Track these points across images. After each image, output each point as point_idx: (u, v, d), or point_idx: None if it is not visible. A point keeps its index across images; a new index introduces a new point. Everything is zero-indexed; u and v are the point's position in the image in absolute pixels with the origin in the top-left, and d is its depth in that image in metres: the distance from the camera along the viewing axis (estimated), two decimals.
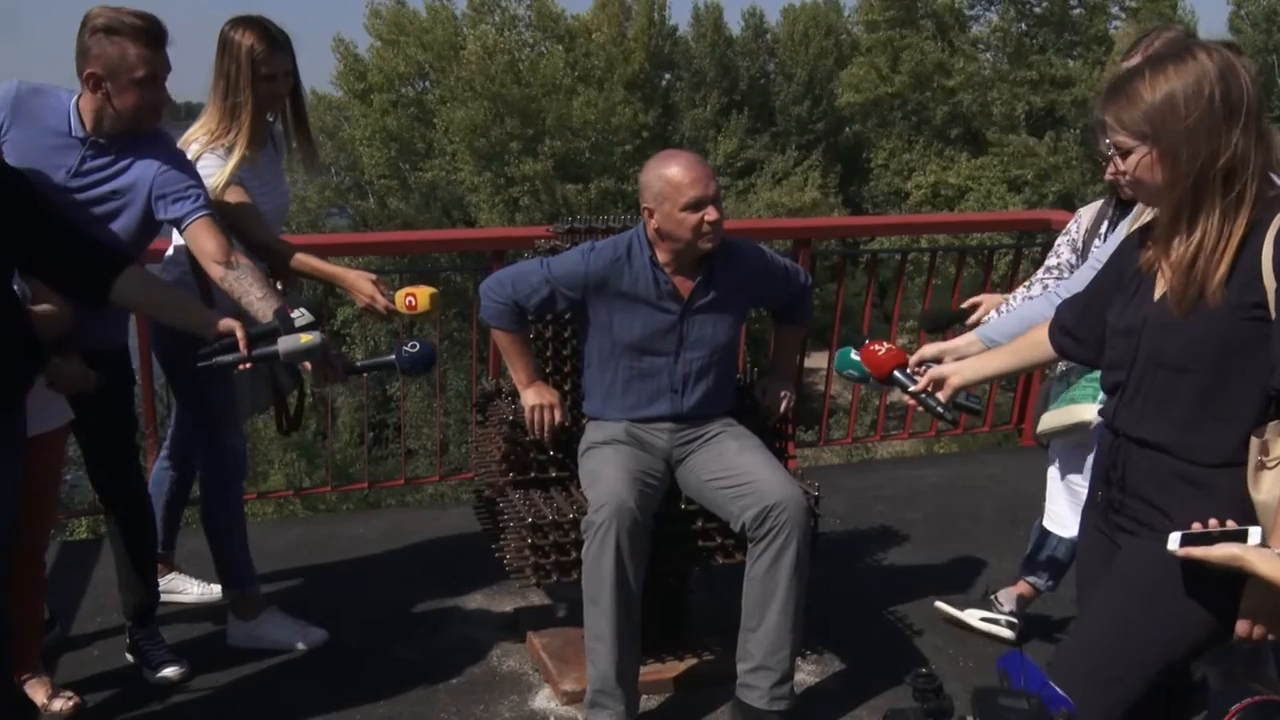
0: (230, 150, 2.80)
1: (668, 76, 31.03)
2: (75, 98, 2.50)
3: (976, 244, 11.75)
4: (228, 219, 2.70)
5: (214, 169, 2.77)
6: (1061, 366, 2.74)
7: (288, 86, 2.89)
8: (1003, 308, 2.93)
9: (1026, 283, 2.98)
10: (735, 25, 32.81)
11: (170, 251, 2.95)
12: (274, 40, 2.80)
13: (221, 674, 2.95)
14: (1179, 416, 1.73)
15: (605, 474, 2.66)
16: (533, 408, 2.84)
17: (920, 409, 2.22)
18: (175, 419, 3.22)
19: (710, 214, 2.65)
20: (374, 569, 3.67)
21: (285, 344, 2.38)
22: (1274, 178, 1.70)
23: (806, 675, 2.97)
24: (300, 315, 2.41)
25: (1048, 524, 3.03)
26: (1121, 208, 2.77)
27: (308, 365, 2.55)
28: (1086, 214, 2.92)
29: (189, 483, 3.25)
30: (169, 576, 3.27)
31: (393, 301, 2.81)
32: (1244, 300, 1.65)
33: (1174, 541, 1.61)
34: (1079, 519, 2.13)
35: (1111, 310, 1.85)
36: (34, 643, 2.74)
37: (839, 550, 3.81)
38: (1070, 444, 2.86)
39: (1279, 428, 1.64)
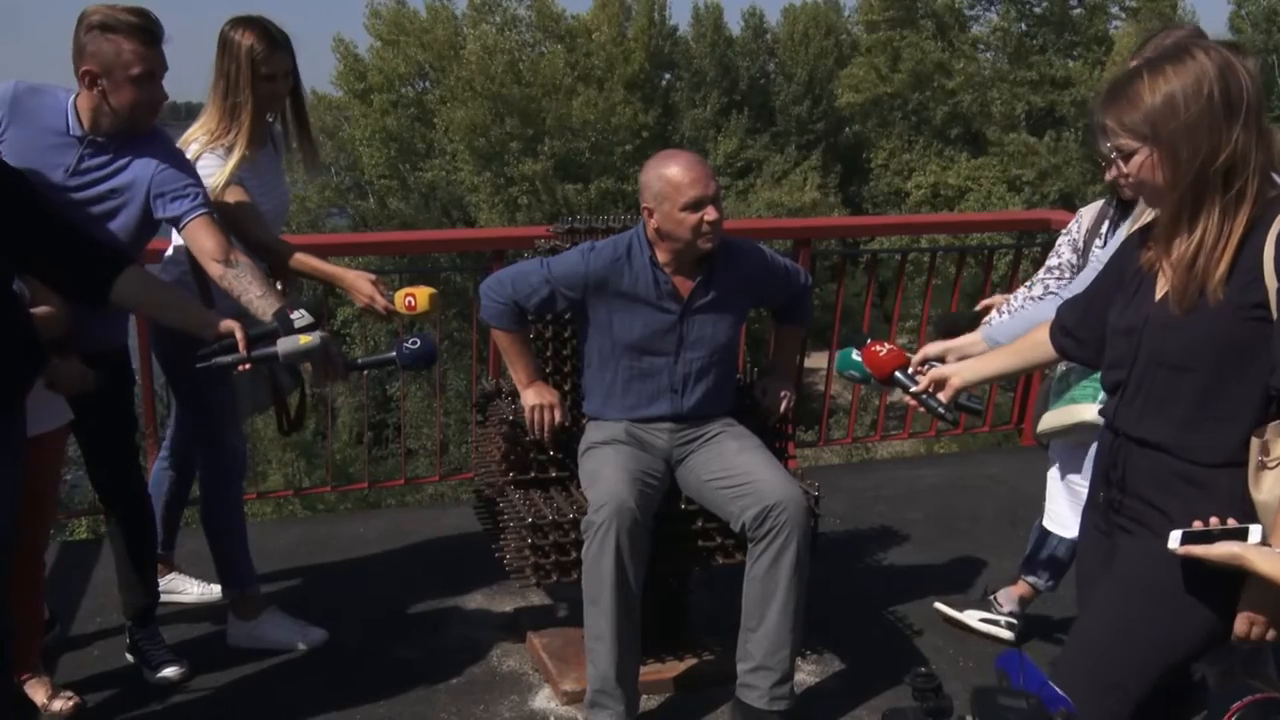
0: (230, 150, 2.79)
1: (668, 76, 31.04)
2: (73, 96, 2.50)
3: (976, 244, 11.77)
4: (227, 219, 2.70)
5: (214, 169, 2.77)
6: (1062, 367, 2.74)
7: (288, 86, 2.89)
8: (1004, 307, 2.93)
9: (1028, 283, 2.98)
10: (735, 25, 32.90)
11: (169, 251, 2.95)
12: (274, 40, 2.80)
13: (221, 674, 2.95)
14: (1179, 416, 1.73)
15: (605, 474, 2.66)
16: (533, 408, 2.84)
17: (921, 409, 2.22)
18: (175, 419, 3.22)
19: (710, 214, 2.65)
20: (374, 569, 3.67)
21: (284, 345, 2.39)
22: (1275, 177, 1.70)
23: (806, 675, 2.97)
24: (300, 316, 2.41)
25: (1048, 524, 3.03)
26: (1122, 208, 2.77)
27: (308, 366, 2.55)
28: (1088, 214, 2.92)
29: (189, 483, 3.25)
30: (169, 576, 3.27)
31: (392, 302, 2.81)
32: (1245, 300, 1.65)
33: (1174, 540, 1.62)
34: (1079, 519, 2.13)
35: (1112, 310, 1.85)
36: (34, 643, 2.74)
37: (839, 550, 3.81)
38: (1070, 444, 2.86)
39: (1279, 428, 1.64)
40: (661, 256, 2.74)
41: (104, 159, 2.53)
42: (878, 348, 2.24)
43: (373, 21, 29.49)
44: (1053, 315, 2.08)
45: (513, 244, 4.44)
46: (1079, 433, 2.70)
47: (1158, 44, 2.47)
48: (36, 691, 2.72)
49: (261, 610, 3.10)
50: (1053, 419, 2.78)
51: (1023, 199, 27.46)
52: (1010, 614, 3.14)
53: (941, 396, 2.12)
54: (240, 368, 2.39)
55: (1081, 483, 2.78)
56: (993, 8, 31.11)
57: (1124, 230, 2.53)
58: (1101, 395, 2.36)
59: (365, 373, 3.40)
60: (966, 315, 3.12)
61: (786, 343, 3.08)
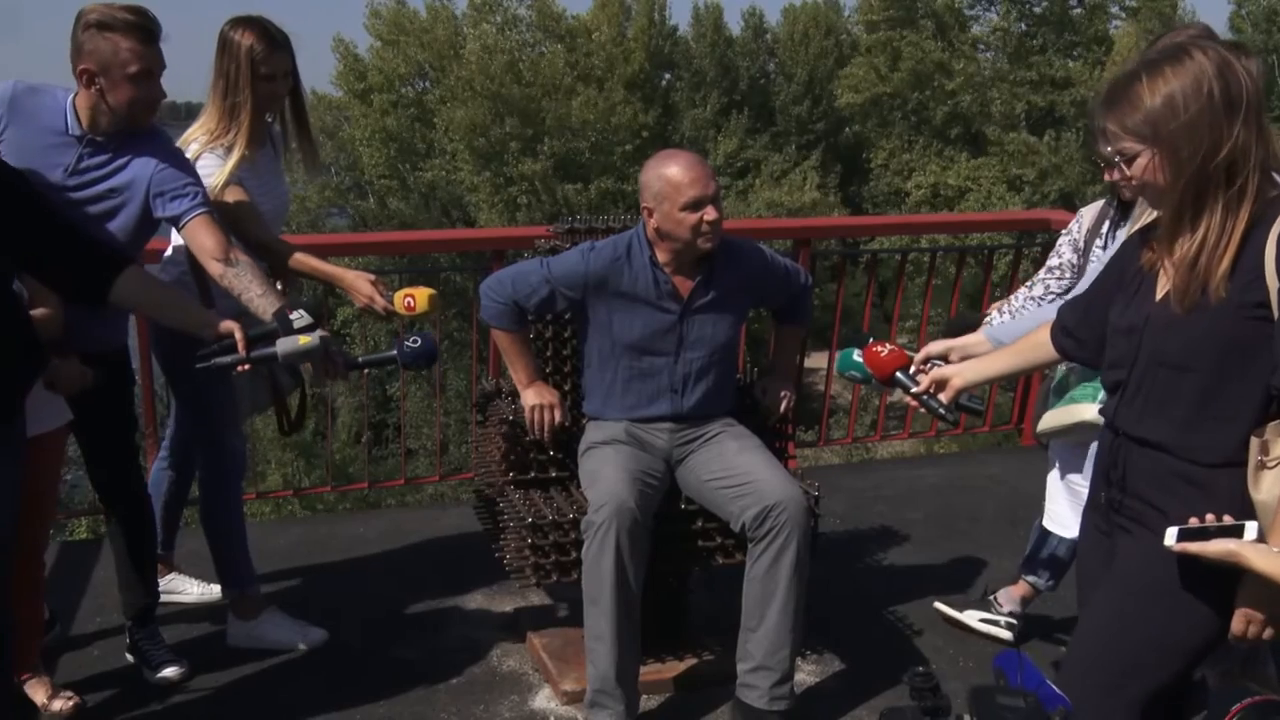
0: (229, 150, 2.79)
1: (668, 76, 31.03)
2: (72, 96, 2.50)
3: (976, 244, 11.78)
4: (227, 218, 2.70)
5: (213, 169, 2.77)
6: (1062, 367, 2.74)
7: (287, 86, 2.89)
8: (1004, 307, 2.93)
9: (1029, 283, 2.98)
10: (735, 25, 32.89)
11: (169, 251, 2.95)
12: (273, 40, 2.80)
13: (221, 674, 2.95)
14: (1179, 416, 1.73)
15: (605, 474, 2.66)
16: (533, 408, 2.84)
17: (921, 409, 2.22)
18: (175, 419, 3.22)
19: (709, 214, 2.65)
20: (374, 569, 3.67)
21: (284, 345, 2.39)
22: (1275, 176, 1.70)
23: (806, 675, 2.97)
24: (299, 317, 2.41)
25: (1047, 524, 3.03)
26: (1123, 208, 2.77)
27: (308, 365, 2.55)
28: (1088, 214, 2.92)
29: (188, 483, 3.25)
30: (169, 576, 3.27)
31: (391, 302, 2.81)
32: (1246, 299, 1.65)
33: (1170, 537, 1.62)
34: (1079, 519, 2.13)
35: (1113, 309, 1.85)
36: (34, 643, 2.74)
37: (839, 550, 3.81)
38: (1070, 444, 2.86)
39: (1279, 428, 1.64)
40: (661, 256, 2.74)
41: (103, 158, 2.53)
42: (879, 348, 2.23)
43: (373, 21, 29.50)
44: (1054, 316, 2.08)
45: (513, 244, 4.44)
46: (1079, 433, 2.70)
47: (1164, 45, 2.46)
48: (36, 691, 2.72)
49: (261, 610, 3.10)
50: (1053, 419, 2.77)
51: (1023, 199, 27.46)
52: (1010, 614, 3.14)
53: (943, 397, 2.12)
54: (239, 368, 2.39)
55: (1081, 483, 2.79)
56: (993, 8, 31.12)
57: (1125, 231, 2.54)
58: (1101, 395, 2.36)
59: (365, 372, 3.40)
60: (974, 318, 3.12)
61: (786, 343, 3.08)
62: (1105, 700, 1.79)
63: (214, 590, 3.26)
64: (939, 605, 3.26)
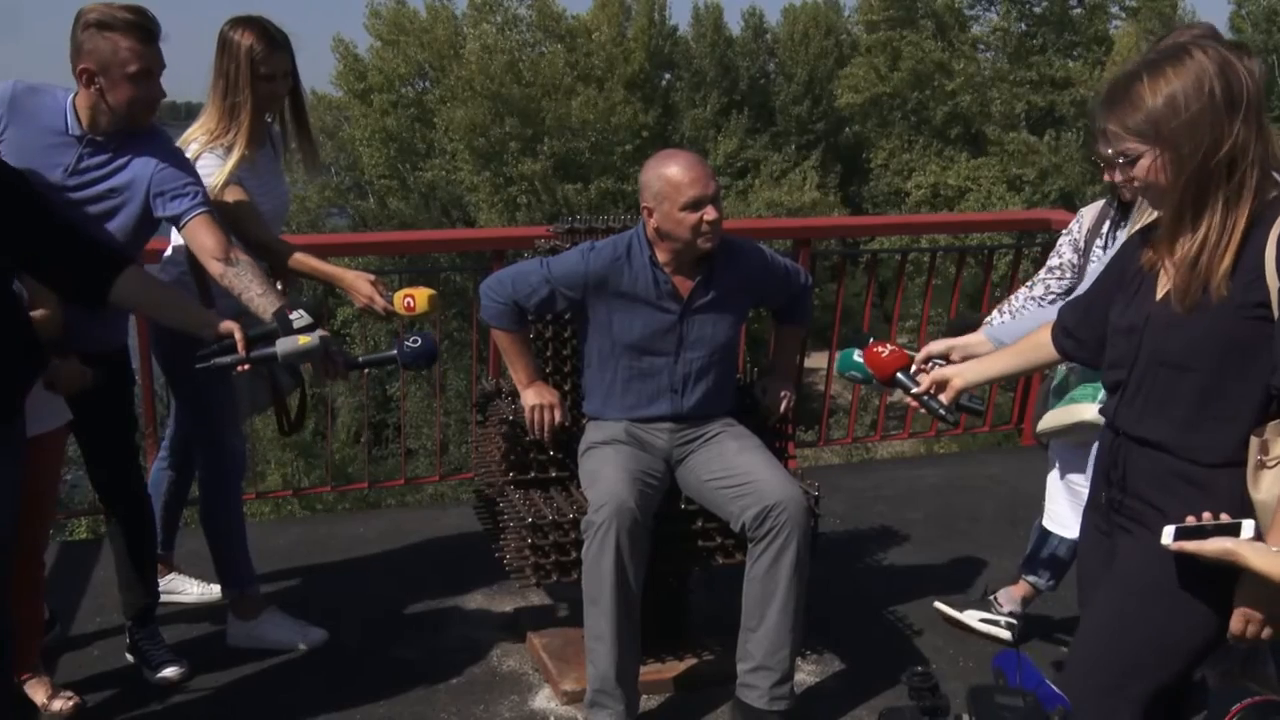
0: (229, 150, 2.80)
1: (668, 76, 31.03)
2: (72, 96, 2.50)
3: (976, 244, 11.78)
4: (227, 218, 2.70)
5: (213, 168, 2.77)
6: (1062, 367, 2.74)
7: (287, 86, 2.89)
8: (1005, 307, 2.93)
9: (1029, 283, 2.98)
10: (735, 25, 32.89)
11: (168, 251, 2.95)
12: (273, 40, 2.81)
13: (221, 674, 2.95)
14: (1180, 416, 1.73)
15: (605, 474, 2.66)
16: (533, 408, 2.84)
17: (922, 410, 2.22)
18: (175, 419, 3.22)
19: (709, 213, 2.65)
20: (374, 569, 3.67)
21: (283, 346, 2.39)
22: (1275, 176, 1.70)
23: (806, 675, 2.97)
24: (299, 317, 2.41)
25: (1047, 524, 3.03)
26: (1123, 208, 2.78)
27: (308, 365, 2.55)
28: (1089, 214, 2.92)
29: (188, 483, 3.25)
30: (169, 576, 3.27)
31: (391, 302, 2.81)
32: (1247, 299, 1.65)
33: (1168, 535, 1.62)
34: (1079, 519, 2.13)
35: (1114, 309, 1.85)
36: (34, 643, 2.74)
37: (839, 550, 3.81)
38: (1070, 444, 2.86)
39: (1279, 427, 1.64)
40: (661, 256, 2.74)
41: (103, 158, 2.53)
42: (879, 349, 2.23)
43: (373, 21, 29.50)
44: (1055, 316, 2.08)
45: (513, 244, 4.45)
46: (1079, 433, 2.70)
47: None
48: (36, 691, 2.72)
49: (261, 610, 3.10)
50: (1053, 419, 2.78)
51: (1023, 199, 27.46)
52: (1010, 614, 3.14)
53: (943, 398, 2.12)
54: (239, 368, 2.39)
55: (1081, 483, 2.79)
56: (993, 8, 31.12)
57: (1125, 231, 2.53)
58: (1101, 395, 2.36)
59: (365, 372, 3.40)
60: (974, 318, 3.12)
61: (786, 343, 3.08)
62: (1105, 700, 1.79)
63: (214, 590, 3.26)
64: (939, 605, 3.26)
